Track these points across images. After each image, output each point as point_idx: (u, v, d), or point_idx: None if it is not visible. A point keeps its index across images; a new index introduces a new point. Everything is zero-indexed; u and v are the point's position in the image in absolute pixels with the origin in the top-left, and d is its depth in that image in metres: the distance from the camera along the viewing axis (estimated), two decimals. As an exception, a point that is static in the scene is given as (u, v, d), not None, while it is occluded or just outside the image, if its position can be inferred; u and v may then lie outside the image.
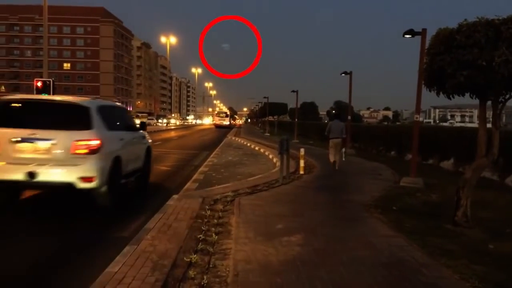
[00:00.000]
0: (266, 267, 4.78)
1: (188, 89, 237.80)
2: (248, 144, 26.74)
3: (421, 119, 12.02)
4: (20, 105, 7.98)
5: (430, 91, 7.20)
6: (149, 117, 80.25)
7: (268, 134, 44.90)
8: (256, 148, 23.49)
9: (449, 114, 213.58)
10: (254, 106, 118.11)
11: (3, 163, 7.16)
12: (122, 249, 5.22)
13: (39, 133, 7.16)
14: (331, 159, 14.22)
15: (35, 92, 27.77)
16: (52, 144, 7.17)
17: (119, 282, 4.22)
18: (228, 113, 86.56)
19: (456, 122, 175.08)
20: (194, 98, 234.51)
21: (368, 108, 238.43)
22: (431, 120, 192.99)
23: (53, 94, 27.97)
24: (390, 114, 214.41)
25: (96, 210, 7.88)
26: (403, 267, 4.92)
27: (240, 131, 54.06)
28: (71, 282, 4.73)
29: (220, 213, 7.29)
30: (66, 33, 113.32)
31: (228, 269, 4.70)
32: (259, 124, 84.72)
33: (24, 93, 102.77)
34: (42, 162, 7.13)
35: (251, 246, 5.48)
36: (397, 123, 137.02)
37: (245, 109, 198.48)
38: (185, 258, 4.96)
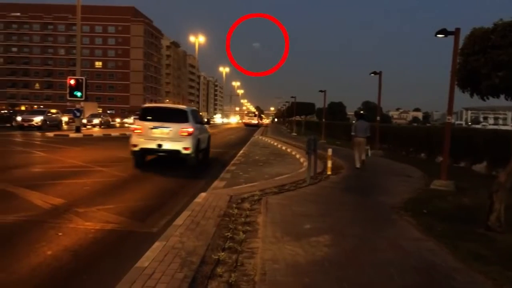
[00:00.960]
0: (293, 266, 4.77)
1: (216, 88, 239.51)
2: (275, 144, 26.72)
3: (452, 120, 11.75)
4: (153, 109, 15.47)
5: (463, 92, 7.05)
6: None
7: (295, 134, 44.77)
8: (283, 148, 23.45)
9: (481, 116, 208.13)
10: (281, 105, 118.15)
11: (145, 139, 13.45)
12: (151, 245, 5.32)
13: (163, 124, 13.54)
14: (356, 157, 14.90)
15: (68, 89, 28.61)
16: (170, 130, 13.51)
17: (149, 277, 4.30)
18: (256, 113, 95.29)
19: (489, 124, 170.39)
20: (222, 97, 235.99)
21: (398, 109, 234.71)
22: (463, 122, 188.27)
23: (86, 91, 28.72)
24: (420, 115, 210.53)
25: (188, 166, 13.91)
26: (434, 271, 4.83)
27: (267, 130, 54.08)
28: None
29: (247, 212, 7.31)
30: (98, 32, 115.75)
31: (255, 267, 4.72)
32: (286, 124, 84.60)
33: (58, 89, 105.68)
34: (164, 139, 13.47)
35: (278, 246, 5.49)
36: (427, 124, 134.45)
37: (272, 108, 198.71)
38: (213, 256, 5.00)
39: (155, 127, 13.52)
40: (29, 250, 5.49)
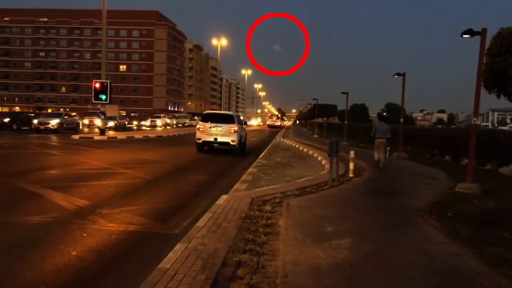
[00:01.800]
0: (315, 269, 4.75)
1: (238, 90, 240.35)
2: (297, 146, 26.63)
3: (478, 122, 11.50)
4: (211, 114, 21.52)
5: (490, 93, 6.92)
6: (191, 118, 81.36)
7: (317, 136, 44.54)
8: (305, 150, 23.36)
9: (508, 117, 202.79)
10: (303, 107, 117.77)
11: (206, 135, 19.83)
12: (173, 246, 5.37)
13: (218, 124, 19.78)
14: (376, 157, 15.44)
15: (93, 92, 29.17)
16: (222, 128, 19.69)
17: (171, 279, 4.34)
18: (279, 115, 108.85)
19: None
20: (244, 99, 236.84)
21: (422, 111, 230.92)
22: (489, 124, 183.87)
23: (110, 94, 29.22)
24: (445, 116, 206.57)
25: (234, 154, 20.09)
26: (458, 276, 4.74)
27: (289, 132, 53.94)
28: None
29: (268, 214, 7.31)
30: (122, 36, 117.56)
31: (276, 270, 4.71)
32: (308, 126, 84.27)
33: (84, 93, 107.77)
34: (218, 134, 19.70)
35: (299, 248, 5.47)
36: (452, 126, 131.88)
37: (293, 110, 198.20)
38: (234, 258, 5.02)
39: (212, 126, 20.03)
40: (54, 251, 5.62)
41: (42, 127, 32.70)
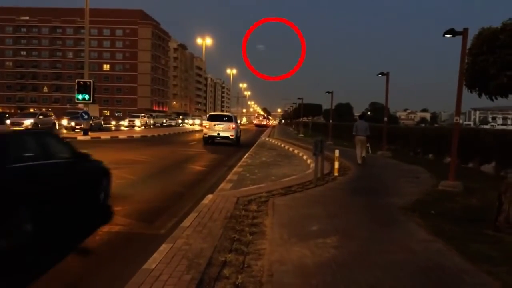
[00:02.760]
0: (301, 268, 4.76)
1: (223, 89, 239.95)
2: (282, 145, 26.69)
3: (461, 121, 11.65)
4: (214, 115, 29.40)
5: (471, 92, 7.02)
6: (170, 118, 79.97)
7: (302, 135, 44.69)
8: (290, 149, 23.42)
9: (490, 116, 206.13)
10: (288, 107, 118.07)
11: (210, 131, 26.12)
12: (158, 246, 5.33)
13: (220, 123, 26.15)
14: (358, 154, 16.28)
15: (76, 92, 28.81)
16: (223, 126, 25.98)
17: (156, 279, 4.31)
18: (265, 115, 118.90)
19: (498, 124, 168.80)
20: (229, 98, 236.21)
21: (405, 110, 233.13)
22: (471, 122, 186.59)
23: (93, 93, 28.87)
24: (428, 115, 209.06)
25: (233, 145, 25.53)
26: (443, 273, 4.79)
27: (274, 132, 54.02)
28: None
29: (254, 214, 7.31)
30: (106, 35, 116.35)
31: (262, 269, 4.71)
32: (293, 125, 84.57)
33: (66, 92, 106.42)
34: (221, 131, 25.95)
35: (285, 247, 5.48)
36: (435, 125, 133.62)
37: (279, 110, 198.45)
38: (220, 257, 5.00)
39: (216, 124, 26.25)
40: (37, 252, 5.52)
41: (15, 128, 31.21)
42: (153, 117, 67.27)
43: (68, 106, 61.50)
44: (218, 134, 26.04)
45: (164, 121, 71.69)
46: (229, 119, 27.09)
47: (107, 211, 7.90)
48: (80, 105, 48.54)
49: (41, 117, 34.21)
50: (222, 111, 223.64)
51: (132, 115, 62.50)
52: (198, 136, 36.83)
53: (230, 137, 26.06)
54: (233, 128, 26.22)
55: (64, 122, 38.74)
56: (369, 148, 17.50)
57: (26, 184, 5.79)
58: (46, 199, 6.18)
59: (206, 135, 26.35)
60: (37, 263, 5.17)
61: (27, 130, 11.75)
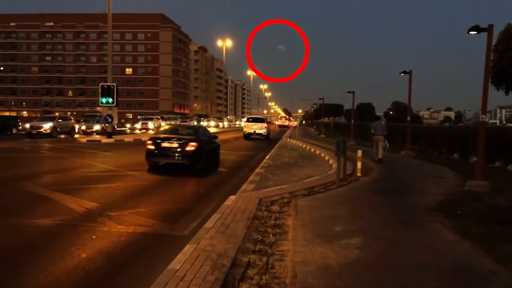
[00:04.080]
0: (325, 269, 4.73)
1: (243, 91, 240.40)
2: (304, 146, 26.59)
3: (486, 119, 11.39)
4: (252, 117, 39.86)
5: (497, 89, 6.86)
6: (184, 119, 74.14)
7: (324, 136, 44.44)
8: (312, 150, 23.31)
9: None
10: (309, 107, 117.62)
11: (248, 129, 36.67)
12: (183, 247, 5.37)
13: (256, 123, 36.70)
14: (374, 152, 17.75)
15: (100, 95, 29.28)
16: (258, 125, 36.31)
17: (181, 280, 4.34)
18: (287, 117, 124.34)
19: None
20: (249, 100, 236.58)
21: (428, 109, 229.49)
22: (497, 121, 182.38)
23: (117, 97, 29.29)
24: (452, 114, 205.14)
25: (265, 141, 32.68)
26: (470, 274, 4.70)
27: (295, 133, 53.88)
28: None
29: (277, 214, 7.30)
30: (128, 39, 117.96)
31: (286, 270, 4.70)
32: (314, 126, 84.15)
33: (90, 96, 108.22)
34: (257, 129, 36.04)
35: (309, 248, 5.45)
36: (460, 124, 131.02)
37: (300, 110, 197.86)
38: (243, 258, 5.01)
39: (252, 124, 36.25)
40: (64, 253, 5.64)
41: (34, 132, 30.58)
42: (165, 119, 61.42)
43: (86, 109, 60.62)
44: (254, 131, 36.10)
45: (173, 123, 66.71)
46: (262, 120, 38.02)
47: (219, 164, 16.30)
48: (99, 108, 48.64)
49: (60, 120, 33.76)
50: (243, 112, 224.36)
51: (145, 117, 59.15)
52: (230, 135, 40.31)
53: (263, 133, 35.99)
54: (265, 127, 36.55)
55: (76, 126, 36.94)
56: (387, 144, 19.25)
57: (204, 145, 14.48)
58: (209, 151, 14.94)
59: (246, 132, 36.62)
60: (205, 171, 13.67)
61: (200, 124, 31.03)
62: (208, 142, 15.19)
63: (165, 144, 13.68)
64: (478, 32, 10.74)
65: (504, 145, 15.77)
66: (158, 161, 14.10)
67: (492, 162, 16.35)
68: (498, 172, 14.42)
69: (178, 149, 13.51)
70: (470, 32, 10.91)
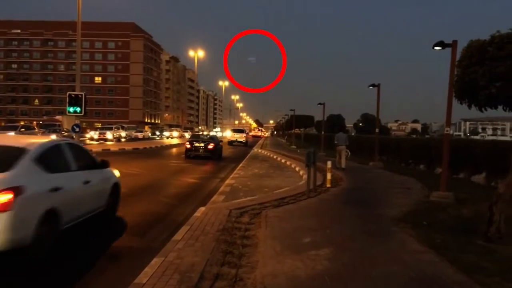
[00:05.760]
0: (293, 281, 4.73)
1: (215, 102, 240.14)
2: (275, 157, 26.71)
3: (451, 132, 11.74)
4: (234, 128, 61.71)
5: (461, 103, 7.08)
6: (145, 130, 68.21)
7: (295, 147, 44.75)
8: (283, 161, 23.44)
9: (480, 127, 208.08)
10: (280, 118, 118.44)
11: (232, 137, 50.99)
12: (150, 260, 5.28)
13: (237, 133, 51.74)
14: (337, 161, 18.72)
15: (67, 104, 28.63)
16: (239, 135, 50.56)
17: (147, 294, 4.25)
18: (260, 128, 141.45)
19: (488, 135, 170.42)
20: (221, 110, 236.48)
21: (396, 121, 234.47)
22: (461, 133, 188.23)
23: (85, 106, 28.72)
24: (418, 126, 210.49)
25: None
26: (435, 284, 4.79)
27: (266, 143, 54.15)
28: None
29: (246, 226, 7.28)
30: (98, 47, 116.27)
31: (255, 282, 4.68)
32: (285, 137, 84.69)
33: (57, 105, 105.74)
34: (239, 138, 49.51)
35: (278, 260, 5.45)
36: (426, 136, 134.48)
37: (271, 121, 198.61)
38: (212, 271, 4.96)
39: (235, 134, 50.86)
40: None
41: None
42: (125, 129, 57.09)
43: (44, 117, 57.24)
44: (236, 139, 48.65)
45: (133, 133, 58.35)
46: (242, 131, 53.80)
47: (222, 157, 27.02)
48: (58, 117, 46.93)
49: (23, 129, 32.21)
50: (214, 123, 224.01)
51: (103, 127, 54.10)
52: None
53: (243, 141, 48.59)
54: (245, 136, 50.65)
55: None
56: (349, 153, 20.90)
57: (217, 145, 26.18)
58: (218, 149, 26.33)
59: (230, 140, 49.49)
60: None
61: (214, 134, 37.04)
62: (218, 144, 25.95)
63: (196, 144, 24.89)
64: (443, 48, 11.11)
65: (468, 157, 16.26)
66: (193, 154, 24.53)
67: (457, 174, 16.82)
68: (462, 183, 14.84)
69: (204, 147, 24.52)
70: (435, 48, 11.29)
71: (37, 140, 6.85)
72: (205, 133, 59.99)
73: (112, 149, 31.61)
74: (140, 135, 59.37)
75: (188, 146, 24.94)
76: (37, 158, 5.86)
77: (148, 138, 58.84)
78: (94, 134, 45.84)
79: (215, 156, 24.35)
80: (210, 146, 24.37)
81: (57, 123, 40.66)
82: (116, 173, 8.62)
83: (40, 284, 4.97)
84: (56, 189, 5.88)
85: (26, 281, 4.99)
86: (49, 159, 6.16)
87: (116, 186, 8.31)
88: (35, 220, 5.30)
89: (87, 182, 7.00)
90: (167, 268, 5.02)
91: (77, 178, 6.80)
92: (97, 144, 37.51)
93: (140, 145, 38.23)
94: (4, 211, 4.92)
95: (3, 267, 5.32)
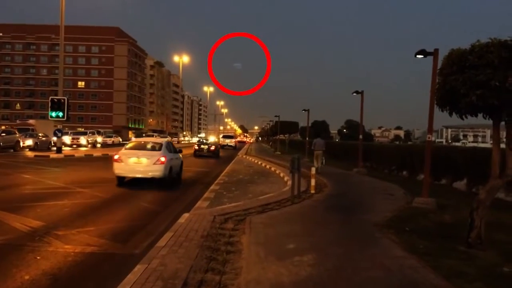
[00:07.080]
0: (277, 287, 4.74)
1: (200, 107, 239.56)
2: (259, 162, 26.73)
3: (433, 139, 11.92)
4: (225, 134, 76.86)
5: (442, 111, 7.18)
6: (115, 135, 64.41)
7: (279, 153, 44.85)
8: (267, 167, 23.47)
9: (461, 134, 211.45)
10: (265, 124, 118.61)
11: (223, 142, 59.72)
12: (133, 267, 5.23)
13: (227, 138, 63.86)
14: (315, 164, 18.96)
15: (49, 109, 28.26)
16: (230, 140, 63.01)
17: (130, 301, 4.21)
18: (245, 134, 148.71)
19: (469, 142, 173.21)
20: (206, 116, 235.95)
21: (380, 127, 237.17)
22: (443, 140, 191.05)
23: (67, 111, 28.36)
24: (401, 133, 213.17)
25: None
26: (417, 290, 4.84)
27: (251, 149, 54.16)
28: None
29: (231, 232, 7.26)
30: (81, 52, 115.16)
31: (239, 289, 4.67)
32: (270, 143, 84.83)
33: (39, 110, 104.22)
34: (229, 142, 60.38)
35: (262, 266, 5.45)
36: (409, 142, 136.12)
37: (256, 127, 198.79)
38: (195, 277, 4.94)
39: (226, 139, 62.04)
40: (6, 275, 5.35)
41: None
42: (101, 134, 54.41)
43: (17, 121, 55.49)
44: (227, 144, 56.83)
45: (99, 139, 51.17)
46: (232, 137, 65.34)
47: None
48: (31, 121, 46.08)
49: (3, 134, 31.64)
50: (199, 128, 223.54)
51: (77, 132, 50.49)
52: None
53: (232, 145, 57.64)
54: (234, 141, 60.52)
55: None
56: (324, 160, 21.76)
57: (218, 147, 37.24)
58: (219, 150, 36.58)
59: (221, 144, 50.19)
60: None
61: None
62: (217, 147, 35.22)
63: (202, 147, 33.94)
64: (425, 56, 11.31)
65: (450, 164, 16.50)
66: (199, 154, 32.74)
67: (439, 180, 17.05)
68: (444, 189, 15.05)
69: (207, 149, 33.55)
70: (417, 56, 11.47)
71: (164, 139, 17.55)
72: (209, 139, 59.61)
73: (77, 155, 31.16)
74: (109, 140, 57.24)
75: (196, 147, 34.04)
76: (165, 146, 14.80)
77: (119, 144, 53.72)
78: (67, 139, 41.87)
79: (215, 155, 33.39)
80: (212, 148, 34.04)
81: (30, 127, 39.50)
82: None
83: (165, 187, 13.97)
84: (171, 159, 14.54)
85: (162, 186, 13.90)
86: (167, 147, 14.97)
87: (182, 163, 16.91)
88: (168, 169, 13.97)
89: (177, 158, 15.78)
90: (150, 274, 4.97)
91: (175, 156, 15.42)
92: (69, 149, 35.88)
93: (112, 151, 37.09)
94: (162, 163, 13.70)
95: (159, 182, 13.93)
